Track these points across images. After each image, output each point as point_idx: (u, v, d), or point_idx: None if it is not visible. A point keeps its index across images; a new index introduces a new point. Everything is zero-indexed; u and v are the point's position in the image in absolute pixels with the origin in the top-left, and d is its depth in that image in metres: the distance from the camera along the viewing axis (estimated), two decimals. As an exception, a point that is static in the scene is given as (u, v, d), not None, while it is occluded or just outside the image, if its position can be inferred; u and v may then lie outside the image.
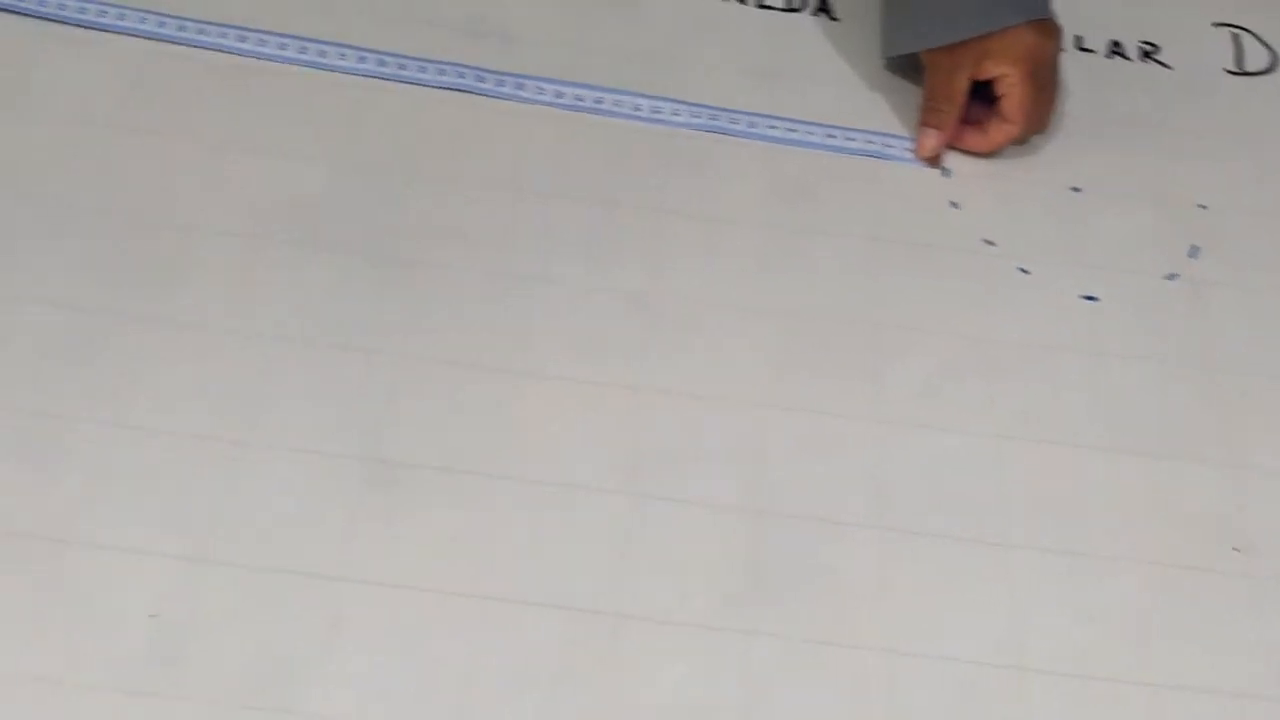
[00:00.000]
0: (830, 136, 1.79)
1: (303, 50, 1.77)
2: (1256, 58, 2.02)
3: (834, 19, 1.98)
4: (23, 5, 1.74)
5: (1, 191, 1.56)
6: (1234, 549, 1.45)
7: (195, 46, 1.75)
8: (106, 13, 1.76)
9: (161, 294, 1.48)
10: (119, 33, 1.74)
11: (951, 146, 1.79)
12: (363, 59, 1.78)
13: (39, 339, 1.43)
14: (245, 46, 1.76)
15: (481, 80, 1.78)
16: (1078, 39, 2.00)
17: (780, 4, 1.99)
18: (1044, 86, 1.77)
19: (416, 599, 1.31)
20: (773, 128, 1.80)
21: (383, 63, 1.78)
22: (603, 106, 1.79)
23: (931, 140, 1.77)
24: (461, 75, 1.78)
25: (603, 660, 1.29)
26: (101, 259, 1.51)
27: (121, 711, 1.20)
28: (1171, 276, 1.71)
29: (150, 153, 1.62)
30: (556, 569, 1.34)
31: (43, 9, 1.75)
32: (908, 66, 1.85)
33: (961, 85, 1.75)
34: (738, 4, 1.98)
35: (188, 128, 1.66)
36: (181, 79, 1.71)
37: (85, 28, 1.75)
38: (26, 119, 1.64)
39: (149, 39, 1.75)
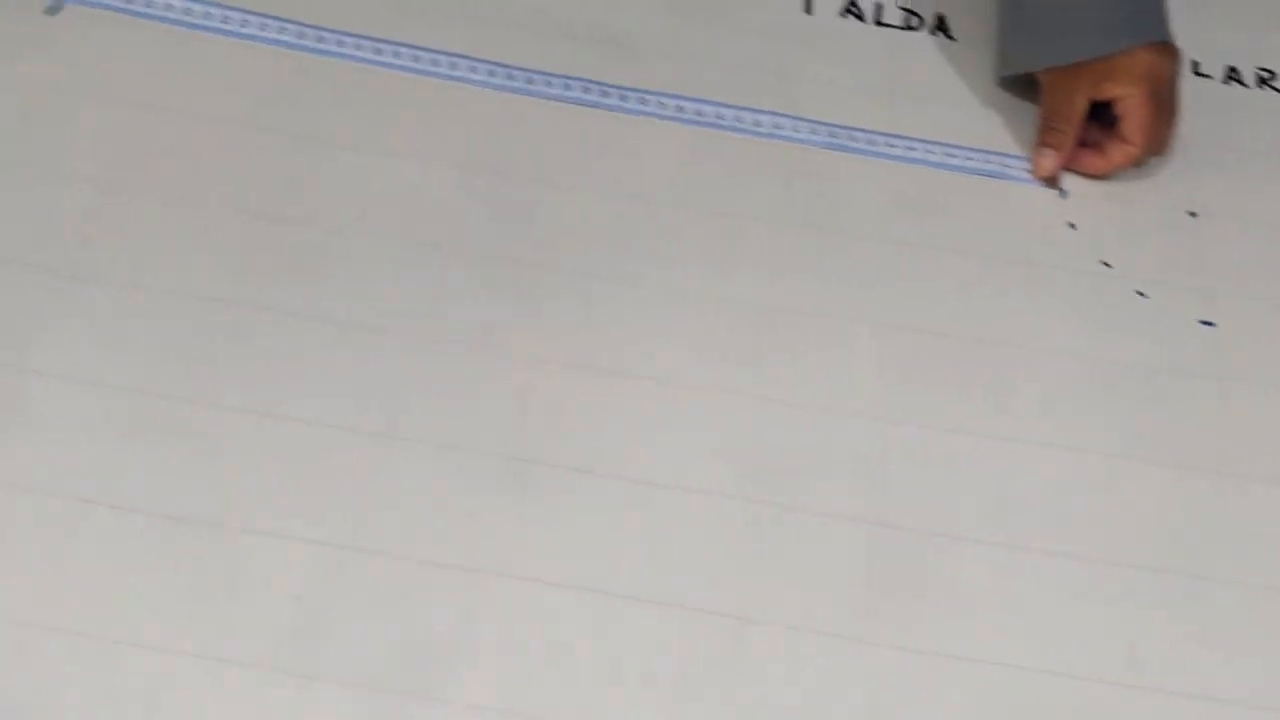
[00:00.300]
0: (950, 155, 1.82)
1: (434, 63, 1.83)
2: (1377, 86, 2.02)
3: (951, 38, 2.00)
4: (169, 15, 1.82)
5: (154, 192, 1.63)
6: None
7: (333, 57, 1.82)
8: (249, 22, 1.84)
9: (308, 290, 1.55)
10: (262, 43, 1.81)
11: (1069, 168, 1.81)
12: (492, 72, 1.83)
13: (193, 332, 1.50)
14: (380, 59, 1.83)
15: (606, 95, 1.83)
16: (1194, 64, 2.00)
17: (898, 23, 2.02)
18: (1164, 108, 1.79)
19: (548, 593, 1.35)
20: (892, 146, 1.83)
21: (511, 76, 1.84)
22: (724, 122, 1.83)
23: (1049, 161, 1.79)
24: (587, 90, 1.83)
25: (727, 662, 1.33)
26: (251, 256, 1.58)
27: (269, 688, 1.26)
28: (1291, 302, 1.72)
29: (293, 156, 1.69)
30: (681, 570, 1.38)
31: (189, 19, 1.82)
32: (1025, 86, 1.87)
33: (1080, 106, 1.77)
34: (856, 21, 2.01)
35: (329, 133, 1.72)
36: (321, 87, 1.78)
37: (228, 36, 1.82)
38: (178, 123, 1.71)
39: (289, 49, 1.82)
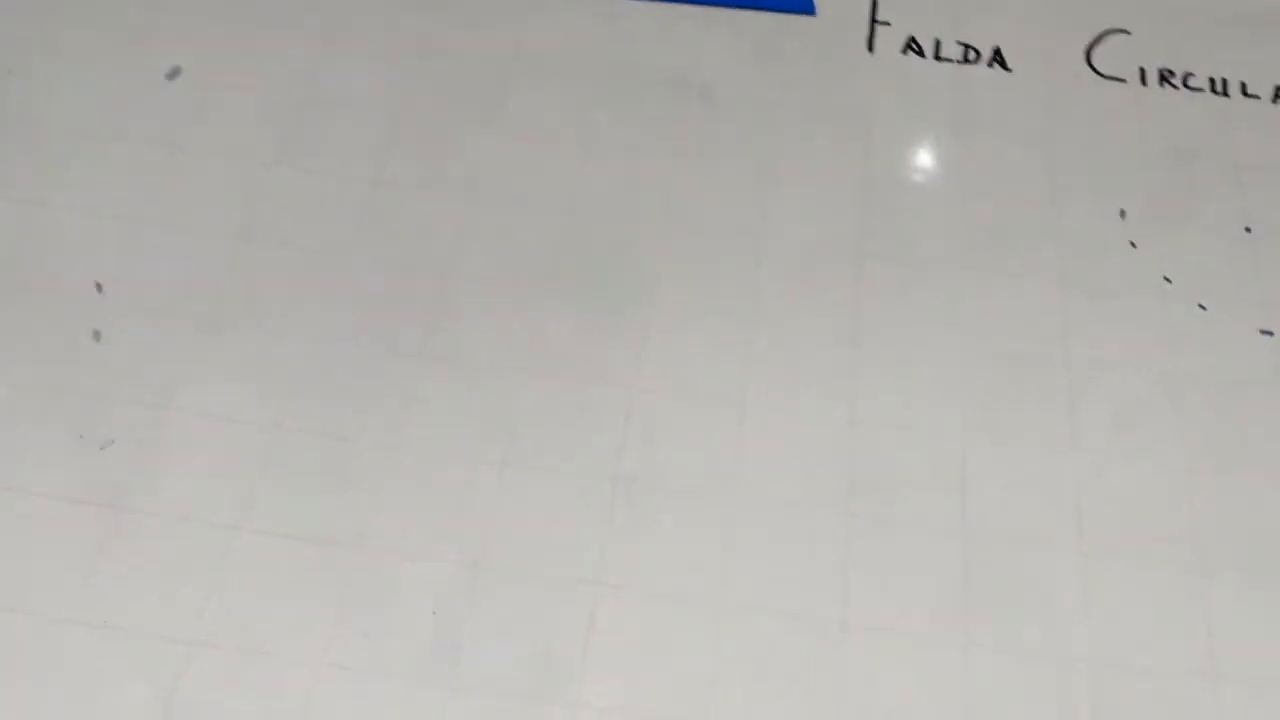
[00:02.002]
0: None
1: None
2: None
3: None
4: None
5: (288, 244, 1.74)
6: None
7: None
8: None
9: (429, 332, 1.67)
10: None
11: None
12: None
13: (327, 373, 1.61)
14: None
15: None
16: (1243, 85, 2.08)
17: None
18: None
19: (663, 604, 1.46)
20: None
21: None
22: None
23: None
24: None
25: (835, 665, 1.43)
26: (369, 300, 1.70)
27: (411, 698, 1.37)
28: (1347, 315, 1.80)
29: (411, 206, 1.80)
30: (787, 580, 1.49)
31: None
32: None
33: None
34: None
35: (439, 181, 1.84)
36: (424, 138, 1.90)
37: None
38: (303, 179, 1.83)
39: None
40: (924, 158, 1.94)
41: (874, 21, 2.11)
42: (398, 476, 1.54)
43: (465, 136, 1.87)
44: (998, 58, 2.12)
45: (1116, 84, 2.06)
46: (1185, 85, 2.06)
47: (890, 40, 2.11)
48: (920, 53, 2.12)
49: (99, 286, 1.66)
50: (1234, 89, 2.05)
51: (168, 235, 1.72)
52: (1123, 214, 1.90)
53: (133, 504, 1.49)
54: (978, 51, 2.11)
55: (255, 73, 1.91)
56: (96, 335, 1.61)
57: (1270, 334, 1.77)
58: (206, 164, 1.80)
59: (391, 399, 1.60)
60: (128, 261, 1.69)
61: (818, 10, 2.11)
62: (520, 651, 1.42)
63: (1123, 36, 2.10)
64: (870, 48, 2.10)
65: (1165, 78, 2.07)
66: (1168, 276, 1.83)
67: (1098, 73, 2.07)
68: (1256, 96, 2.09)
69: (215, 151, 1.81)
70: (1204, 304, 1.80)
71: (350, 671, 1.39)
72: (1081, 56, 2.09)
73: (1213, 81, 2.07)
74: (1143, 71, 2.07)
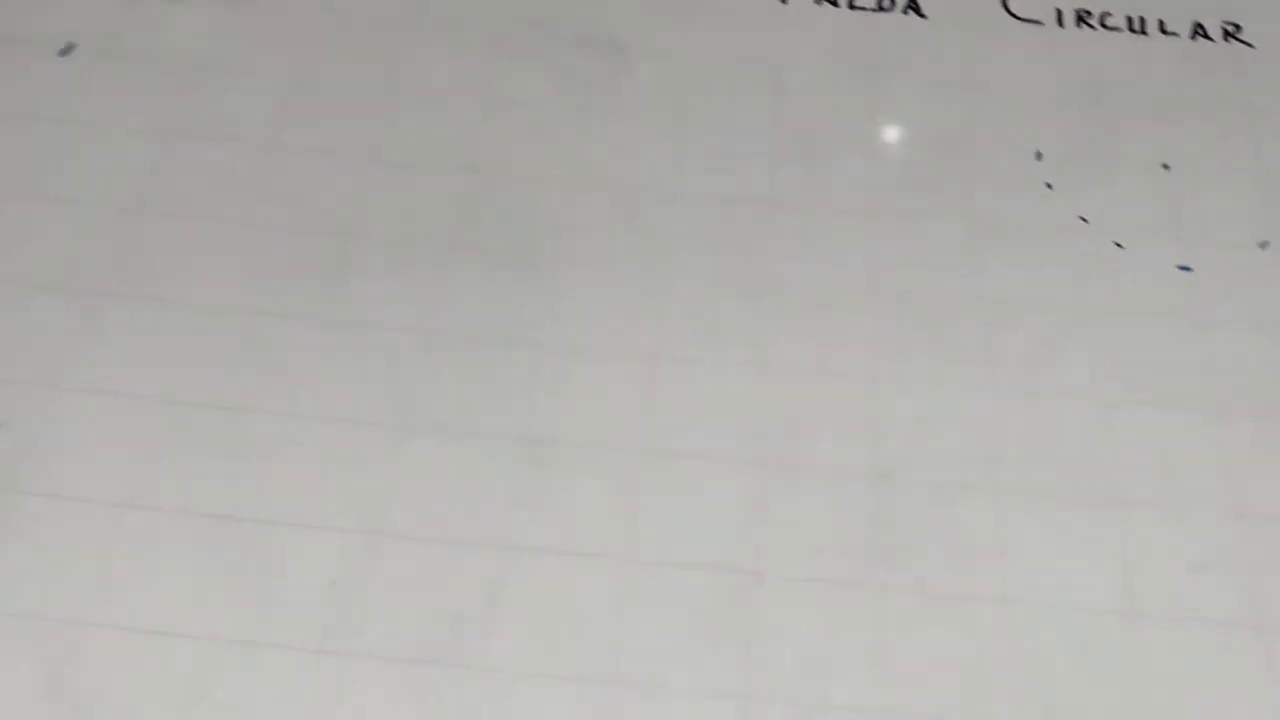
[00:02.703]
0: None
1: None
2: (1340, 31, 2.08)
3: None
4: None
5: (176, 212, 1.70)
6: (1338, 498, 1.53)
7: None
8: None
9: (325, 295, 1.63)
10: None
11: None
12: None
13: (218, 341, 1.58)
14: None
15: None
16: (1160, 22, 2.07)
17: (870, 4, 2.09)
18: None
19: (569, 564, 1.43)
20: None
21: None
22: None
23: None
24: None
25: (745, 616, 1.40)
26: (268, 267, 1.65)
27: (309, 668, 1.34)
28: (1264, 245, 1.78)
29: (305, 168, 1.77)
30: (697, 533, 1.46)
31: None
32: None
33: None
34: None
35: (335, 144, 1.80)
36: (328, 102, 1.86)
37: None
38: (192, 146, 1.79)
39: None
40: (837, 106, 1.91)
41: (785, -29, 2.08)
42: (295, 445, 1.50)
43: (366, 97, 1.83)
44: (913, 5, 2.09)
45: (1033, 26, 2.03)
46: (1103, 25, 2.04)
47: None
48: (834, 1, 2.09)
49: (-15, 264, 1.61)
50: (1151, 27, 2.03)
51: (55, 210, 1.67)
52: (1039, 156, 1.88)
53: (21, 485, 1.44)
54: (892, -1, 2.09)
55: (147, 43, 1.86)
56: (-18, 314, 1.57)
57: (1188, 270, 1.75)
58: (94, 138, 1.75)
59: (288, 367, 1.56)
60: (12, 238, 1.64)
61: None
62: (424, 618, 1.38)
63: (1037, -23, 2.08)
64: (784, -1, 2.08)
65: (1082, 18, 2.05)
66: (1084, 216, 1.81)
67: (1014, 15, 2.04)
68: (1175, 34, 2.07)
69: (105, 124, 1.76)
70: (1120, 242, 1.78)
71: (245, 646, 1.35)
72: (998, 0, 2.07)
73: (1130, 20, 2.05)
74: (1059, 13, 2.05)
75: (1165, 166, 1.87)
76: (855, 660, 1.38)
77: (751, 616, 1.40)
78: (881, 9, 2.07)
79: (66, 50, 1.86)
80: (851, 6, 2.07)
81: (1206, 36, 2.07)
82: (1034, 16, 2.04)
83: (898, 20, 2.05)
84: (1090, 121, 1.92)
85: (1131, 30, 2.04)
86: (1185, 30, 2.08)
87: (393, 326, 1.61)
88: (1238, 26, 2.09)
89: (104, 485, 1.45)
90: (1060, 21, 2.04)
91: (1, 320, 1.57)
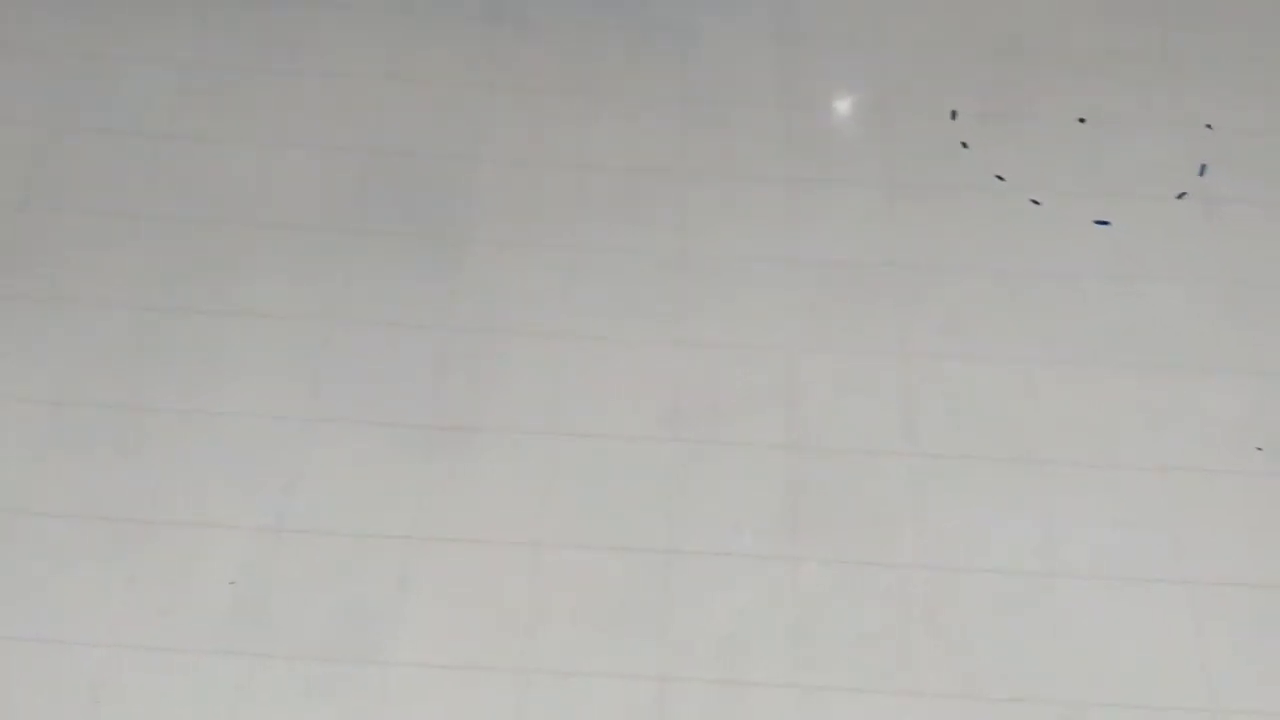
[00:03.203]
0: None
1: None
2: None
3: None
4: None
5: (60, 208, 1.65)
6: (1257, 448, 1.51)
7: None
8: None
9: (218, 287, 1.58)
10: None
11: None
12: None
13: (109, 339, 1.52)
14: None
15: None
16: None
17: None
18: None
19: (480, 551, 1.39)
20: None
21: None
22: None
23: None
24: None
25: (662, 595, 1.37)
26: (162, 260, 1.60)
27: (210, 672, 1.29)
28: (1182, 196, 1.76)
29: (187, 158, 1.71)
30: (611, 514, 1.42)
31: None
32: None
33: None
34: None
35: (220, 133, 1.74)
36: (207, 92, 1.80)
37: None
38: (76, 139, 1.73)
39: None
40: (746, 71, 1.87)
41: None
42: (195, 442, 1.45)
43: (266, 80, 1.78)
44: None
45: (945, -17, 2.00)
46: (1015, -22, 2.01)
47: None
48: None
49: None
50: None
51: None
52: (954, 115, 1.85)
53: (-92, 495, 1.39)
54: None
55: (35, 36, 1.80)
56: None
57: (1106, 224, 1.73)
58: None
59: (187, 361, 1.51)
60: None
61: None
62: (330, 612, 1.34)
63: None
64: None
65: (996, -27, 2.02)
66: (1001, 175, 1.78)
67: (927, -27, 2.01)
68: (1090, -15, 2.05)
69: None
70: (1038, 199, 1.75)
71: (144, 651, 1.31)
72: (910, -41, 2.03)
73: (1043, -28, 2.02)
74: (972, -31, 2.02)
75: (1082, 120, 1.85)
76: (774, 636, 1.35)
77: (667, 596, 1.37)
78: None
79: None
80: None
81: (1124, -13, 2.05)
82: (946, -28, 2.01)
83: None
84: (1006, 78, 1.89)
85: (1046, -16, 2.01)
86: (1101, -17, 2.05)
87: (293, 314, 1.56)
88: (1155, -22, 2.06)
89: (-5, 492, 1.40)
90: (973, -23, 2.01)
91: (-117, 326, 1.51)
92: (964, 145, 1.81)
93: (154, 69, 1.79)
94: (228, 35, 1.84)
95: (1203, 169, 1.79)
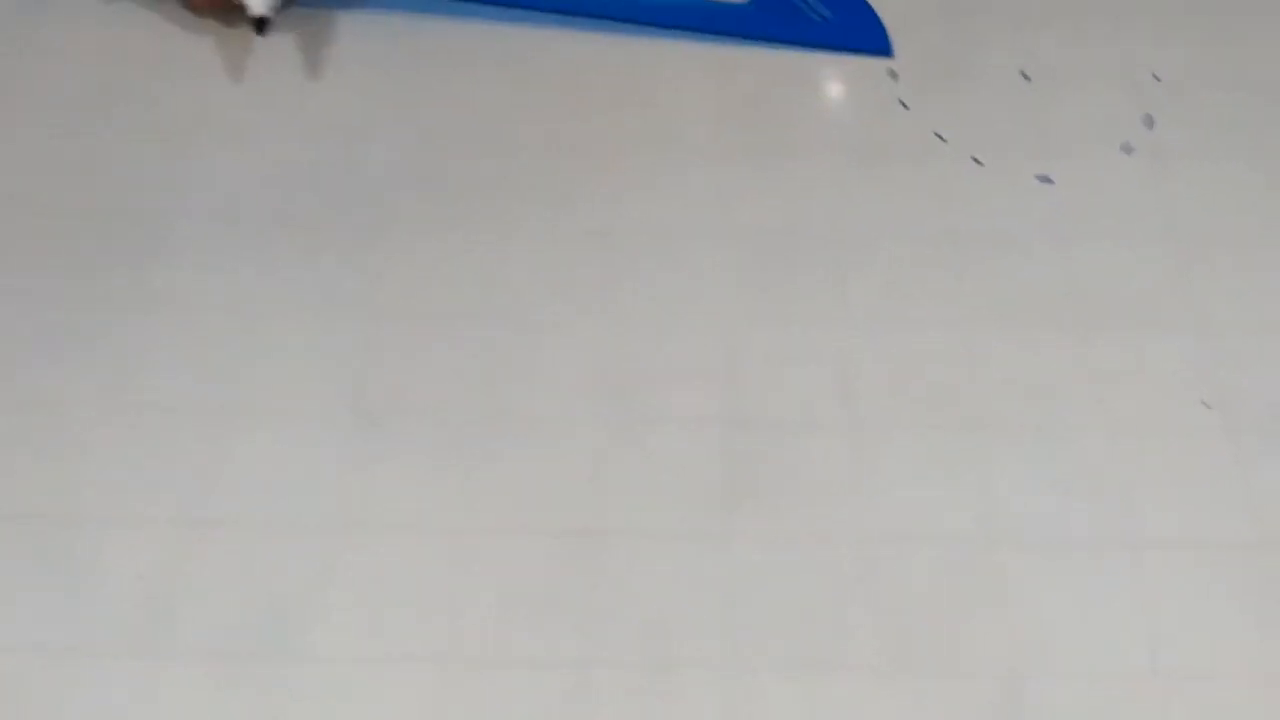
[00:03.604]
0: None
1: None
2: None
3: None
4: None
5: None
6: (1203, 404, 1.46)
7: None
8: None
9: (136, 278, 1.53)
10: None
11: None
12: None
13: (23, 331, 1.48)
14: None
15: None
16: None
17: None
18: None
19: (406, 539, 1.35)
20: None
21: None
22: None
23: None
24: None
25: (589, 579, 1.33)
26: (78, 251, 1.56)
27: (122, 673, 1.25)
28: (1127, 149, 1.71)
29: (106, 150, 1.66)
30: (539, 497, 1.38)
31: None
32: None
33: None
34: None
35: (139, 124, 1.69)
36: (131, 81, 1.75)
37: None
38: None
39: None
40: (675, 34, 1.82)
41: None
42: (108, 439, 1.41)
43: (180, 77, 1.73)
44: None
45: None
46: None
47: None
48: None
49: None
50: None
51: None
52: (893, 75, 1.80)
53: None
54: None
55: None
56: None
57: (1049, 180, 1.68)
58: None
59: (100, 358, 1.47)
60: None
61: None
62: (246, 609, 1.30)
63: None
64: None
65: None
66: (940, 134, 1.73)
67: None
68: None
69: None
70: (979, 158, 1.71)
71: (49, 654, 1.27)
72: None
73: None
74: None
75: (1025, 76, 1.80)
76: (707, 615, 1.31)
77: (595, 580, 1.33)
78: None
79: None
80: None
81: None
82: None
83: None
84: (947, 34, 1.84)
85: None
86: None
87: (211, 308, 1.52)
88: (1102, -72, 2.01)
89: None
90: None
91: None
92: (903, 105, 1.76)
93: (58, 60, 1.74)
94: (141, 24, 1.79)
95: (1150, 121, 1.74)
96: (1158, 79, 1.79)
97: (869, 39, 1.80)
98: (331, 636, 1.28)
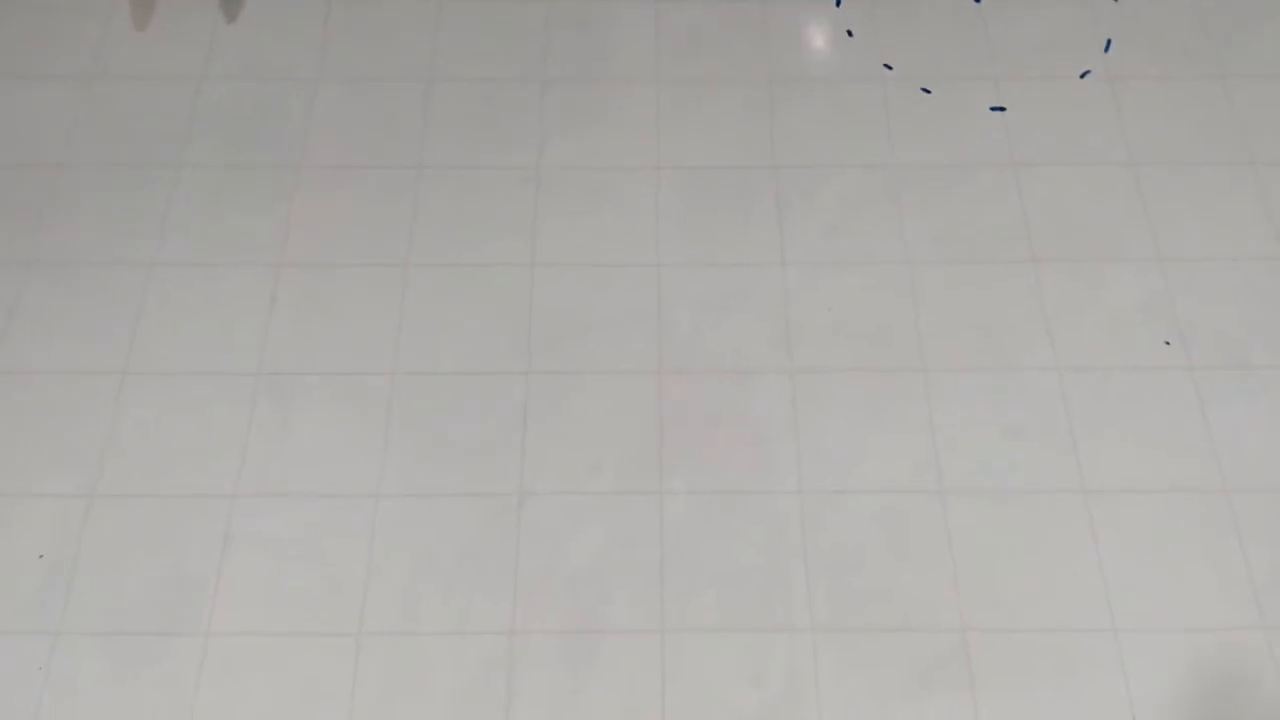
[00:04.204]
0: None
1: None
2: None
3: None
4: None
5: None
6: (1165, 342, 1.39)
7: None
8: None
9: (34, 235, 1.44)
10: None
11: None
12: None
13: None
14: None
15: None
16: None
17: None
18: None
19: (314, 505, 1.27)
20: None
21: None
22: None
23: None
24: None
25: (508, 541, 1.25)
26: (-38, 209, 1.47)
27: (19, 652, 1.18)
28: (1085, 74, 1.62)
29: (9, 90, 1.56)
30: (455, 458, 1.30)
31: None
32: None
33: None
34: None
35: (17, 64, 1.59)
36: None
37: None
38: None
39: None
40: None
41: None
42: (1, 405, 1.32)
43: (81, 15, 1.63)
44: None
45: None
46: None
47: None
48: None
49: None
50: None
51: None
52: (838, 2, 1.70)
53: None
54: None
55: None
56: None
57: (1002, 109, 1.59)
58: None
59: (-14, 316, 1.38)
60: None
61: None
62: (144, 582, 1.22)
63: None
64: None
65: None
66: (888, 64, 1.64)
67: None
68: None
69: None
70: (928, 87, 1.62)
71: (-59, 635, 1.18)
72: None
73: None
74: None
75: (976, 1, 1.71)
76: (640, 575, 1.23)
77: (518, 542, 1.25)
78: None
79: None
80: None
81: None
82: None
83: None
84: (896, -41, 1.74)
85: None
86: None
87: (107, 259, 1.43)
88: None
89: None
90: None
91: None
92: (849, 34, 1.67)
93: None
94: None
95: (1108, 44, 1.65)
96: (1116, 1, 1.69)
97: None
98: (237, 609, 1.21)
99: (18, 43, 1.61)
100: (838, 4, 1.69)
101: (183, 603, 1.21)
